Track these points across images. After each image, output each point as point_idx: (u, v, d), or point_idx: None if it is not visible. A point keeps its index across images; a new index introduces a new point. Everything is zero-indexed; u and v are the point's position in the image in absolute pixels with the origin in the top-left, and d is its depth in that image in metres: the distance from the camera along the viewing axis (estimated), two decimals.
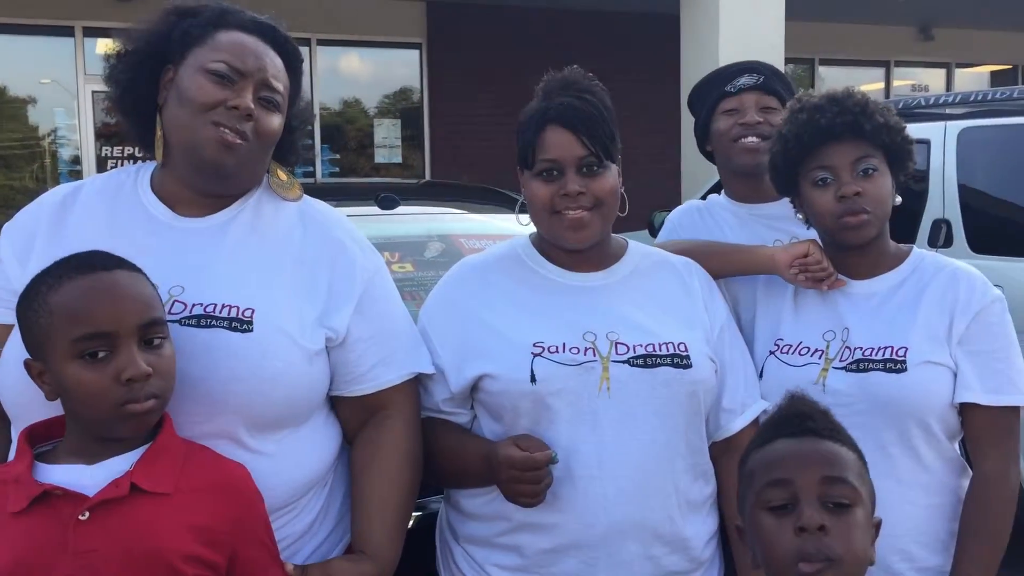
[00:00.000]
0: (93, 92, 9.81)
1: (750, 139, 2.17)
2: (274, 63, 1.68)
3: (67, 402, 1.40)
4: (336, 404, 1.76)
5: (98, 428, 1.39)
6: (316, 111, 10.84)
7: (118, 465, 1.39)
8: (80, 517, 1.33)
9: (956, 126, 4.66)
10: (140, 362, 1.37)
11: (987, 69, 13.94)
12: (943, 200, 4.60)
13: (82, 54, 9.83)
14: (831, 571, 1.32)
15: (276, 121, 1.68)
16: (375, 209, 3.40)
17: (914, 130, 5.15)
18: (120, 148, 9.77)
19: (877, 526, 1.42)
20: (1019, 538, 1.81)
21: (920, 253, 1.94)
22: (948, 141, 4.65)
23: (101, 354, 1.37)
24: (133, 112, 1.72)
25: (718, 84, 2.24)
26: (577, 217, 1.75)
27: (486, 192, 4.08)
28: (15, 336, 1.51)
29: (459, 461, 1.78)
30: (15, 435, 1.56)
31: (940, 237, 4.57)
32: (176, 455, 1.43)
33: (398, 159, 11.23)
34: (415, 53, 11.04)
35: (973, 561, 1.76)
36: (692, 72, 7.39)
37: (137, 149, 1.78)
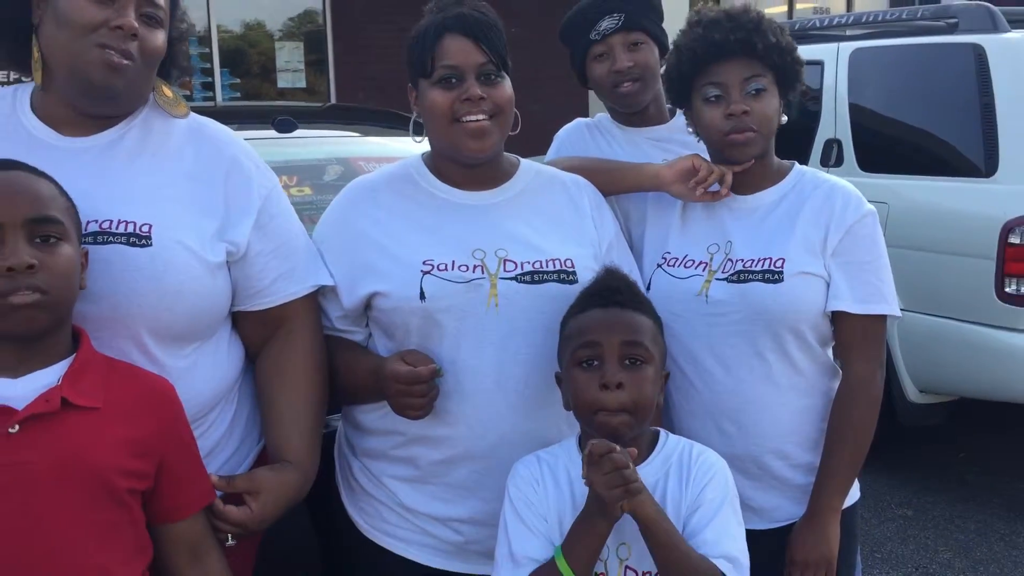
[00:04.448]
0: None
1: (625, 86, 2.20)
2: None
3: None
4: (238, 321, 1.78)
5: None
6: (214, 34, 10.43)
7: (44, 379, 1.40)
8: (10, 430, 1.33)
9: (848, 47, 4.77)
10: (22, 253, 1.36)
11: None
12: (835, 120, 4.73)
13: None
14: (627, 421, 1.60)
15: (160, 37, 1.65)
16: (272, 133, 3.35)
17: (809, 51, 5.28)
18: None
19: (665, 378, 1.72)
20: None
21: (801, 169, 2.01)
22: (840, 62, 4.77)
23: None
24: (3, 32, 1.67)
25: (583, 29, 2.23)
26: (478, 125, 1.76)
27: (388, 115, 4.05)
28: None
29: (351, 377, 1.82)
30: None
31: (832, 156, 4.71)
32: (99, 369, 1.45)
33: (302, 83, 10.95)
34: None
35: (840, 457, 1.88)
36: None
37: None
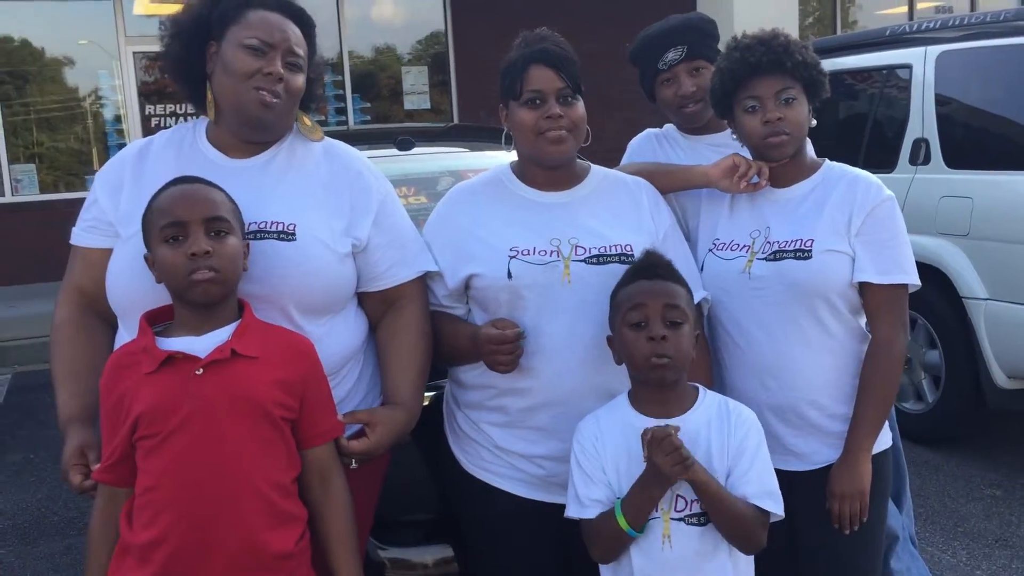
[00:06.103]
0: (134, 53, 10.25)
1: (689, 107, 2.60)
2: (295, 33, 2.11)
3: (164, 280, 1.87)
4: (362, 299, 2.23)
5: (182, 296, 1.87)
6: (346, 61, 11.07)
7: (218, 336, 1.87)
8: (196, 373, 1.81)
9: (935, 50, 4.97)
10: (201, 243, 1.84)
11: None
12: (922, 120, 4.93)
13: (122, 16, 10.25)
14: (671, 365, 1.97)
15: (300, 80, 2.12)
16: (394, 151, 3.86)
17: (899, 56, 5.46)
18: (163, 106, 10.21)
19: (698, 336, 2.09)
20: None
21: (830, 164, 2.35)
22: (928, 64, 4.97)
23: (178, 238, 1.84)
24: (186, 80, 2.17)
25: (651, 59, 2.61)
26: (558, 134, 2.18)
27: (498, 132, 4.50)
28: (118, 252, 2.03)
29: (455, 342, 2.25)
30: (122, 328, 2.07)
31: (920, 155, 4.91)
32: (258, 330, 1.92)
33: (427, 105, 11.59)
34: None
35: (867, 405, 2.21)
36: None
37: (179, 107, 2.23)
